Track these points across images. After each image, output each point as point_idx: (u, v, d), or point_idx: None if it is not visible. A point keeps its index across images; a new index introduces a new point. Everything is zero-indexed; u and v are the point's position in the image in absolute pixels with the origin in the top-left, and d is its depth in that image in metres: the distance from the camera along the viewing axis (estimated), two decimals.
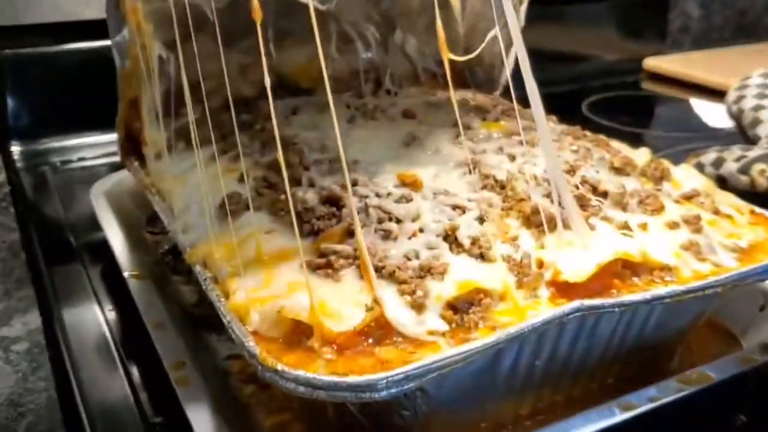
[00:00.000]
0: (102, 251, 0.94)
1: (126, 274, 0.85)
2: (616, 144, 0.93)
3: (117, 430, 0.68)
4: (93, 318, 0.85)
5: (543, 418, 0.70)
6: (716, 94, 1.67)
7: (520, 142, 0.86)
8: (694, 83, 1.81)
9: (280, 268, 0.64)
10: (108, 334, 0.81)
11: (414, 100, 0.97)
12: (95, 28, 1.23)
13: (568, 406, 0.72)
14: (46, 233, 1.07)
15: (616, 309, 0.63)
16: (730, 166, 1.16)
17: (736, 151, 1.20)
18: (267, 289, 0.62)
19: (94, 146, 1.32)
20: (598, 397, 0.72)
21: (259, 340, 0.58)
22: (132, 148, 0.95)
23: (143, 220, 1.02)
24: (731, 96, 1.35)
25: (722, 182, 1.14)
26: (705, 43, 2.14)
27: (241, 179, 0.78)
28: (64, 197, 1.17)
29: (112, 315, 0.86)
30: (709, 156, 1.21)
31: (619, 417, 0.64)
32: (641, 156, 0.90)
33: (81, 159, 1.30)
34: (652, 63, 1.94)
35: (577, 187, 0.73)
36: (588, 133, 0.96)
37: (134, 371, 0.75)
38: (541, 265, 0.66)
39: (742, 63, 1.89)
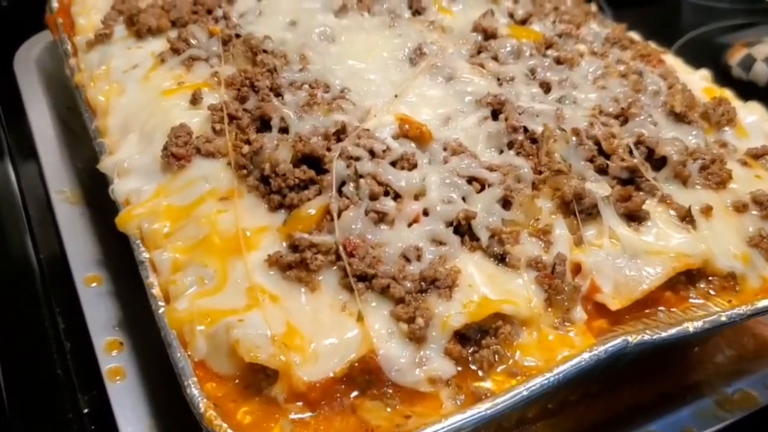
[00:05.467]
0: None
1: (54, 196, 0.69)
2: (670, 59, 0.75)
3: (42, 418, 0.56)
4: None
5: (552, 421, 0.60)
6: None
7: (557, 60, 0.68)
8: None
9: (237, 262, 0.48)
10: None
11: None
12: None
13: (582, 404, 0.61)
14: None
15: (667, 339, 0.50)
16: None
17: None
18: (219, 296, 0.47)
19: None
20: (614, 392, 0.62)
21: (205, 379, 0.44)
22: (64, 24, 0.73)
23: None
24: None
25: None
26: None
27: (194, 102, 0.59)
28: None
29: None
30: (764, 49, 1.02)
31: None
32: (700, 81, 0.73)
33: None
34: None
35: (630, 152, 0.57)
36: (635, 38, 0.77)
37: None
38: (578, 270, 0.51)
39: None
